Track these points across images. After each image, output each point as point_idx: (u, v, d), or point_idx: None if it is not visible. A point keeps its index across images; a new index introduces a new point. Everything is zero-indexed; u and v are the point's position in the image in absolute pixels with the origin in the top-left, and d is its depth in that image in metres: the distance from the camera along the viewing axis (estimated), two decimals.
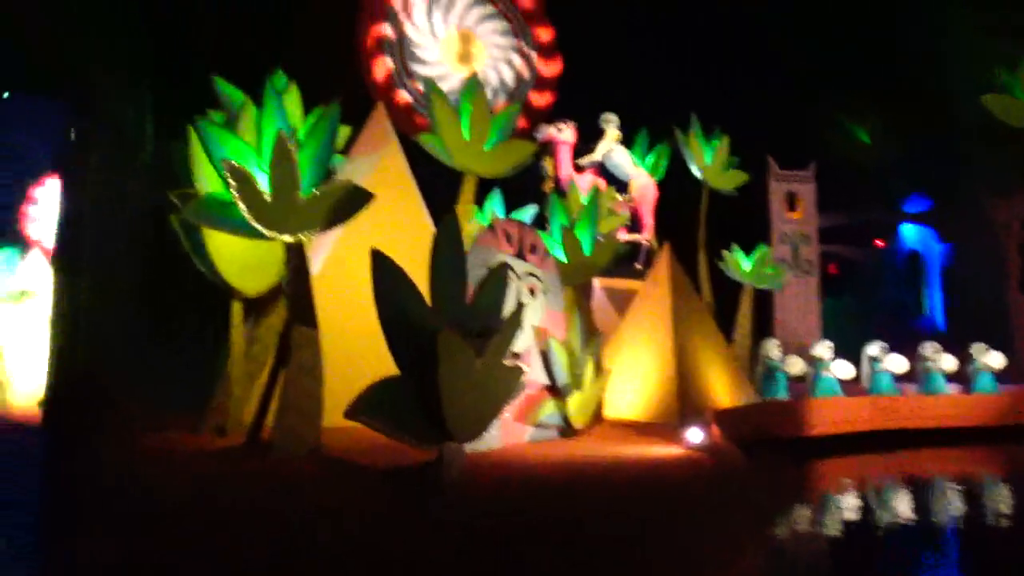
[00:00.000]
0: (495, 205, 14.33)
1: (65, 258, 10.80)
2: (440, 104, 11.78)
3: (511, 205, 14.51)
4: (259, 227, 6.37)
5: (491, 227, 7.73)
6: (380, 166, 14.46)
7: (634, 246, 16.23)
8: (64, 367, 10.11)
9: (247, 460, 6.49)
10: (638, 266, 15.75)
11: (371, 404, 5.09)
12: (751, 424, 10.19)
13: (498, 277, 5.62)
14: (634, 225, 16.70)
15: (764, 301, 18.90)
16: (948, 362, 15.07)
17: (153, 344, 9.10)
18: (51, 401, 10.33)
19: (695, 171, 17.76)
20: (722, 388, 11.54)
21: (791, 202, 19.08)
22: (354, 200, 7.38)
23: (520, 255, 8.07)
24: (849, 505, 8.83)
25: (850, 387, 15.06)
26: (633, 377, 11.34)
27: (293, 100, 12.13)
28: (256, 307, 8.55)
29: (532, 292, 8.20)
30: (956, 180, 22.40)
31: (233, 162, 6.20)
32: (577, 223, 10.85)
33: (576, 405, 8.37)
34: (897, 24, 23.21)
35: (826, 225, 20.28)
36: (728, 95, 21.91)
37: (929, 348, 15.13)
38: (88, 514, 5.51)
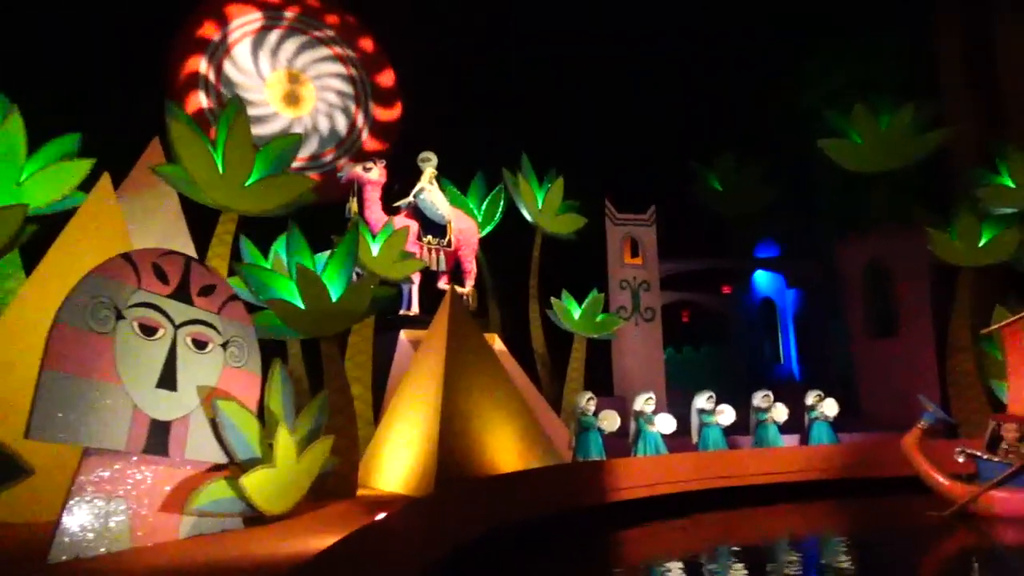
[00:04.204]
0: (283, 250, 12.65)
1: None
2: (180, 130, 10.18)
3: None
4: None
5: (126, 256, 6.08)
6: (146, 207, 12.78)
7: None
8: None
9: None
10: None
11: None
12: (496, 496, 8.69)
13: None
14: (456, 272, 15.39)
15: (607, 352, 17.84)
16: (780, 412, 14.15)
17: None
18: None
19: (526, 215, 16.73)
20: (511, 452, 10.06)
21: (634, 248, 18.22)
22: None
23: (182, 296, 6.42)
24: None
25: (685, 443, 13.97)
26: (400, 443, 9.76)
27: (15, 126, 10.53)
28: None
29: (202, 345, 6.53)
30: (804, 225, 22.32)
31: None
32: (327, 264, 9.34)
33: (262, 484, 6.65)
34: (751, 71, 23.35)
35: (673, 272, 19.53)
36: (573, 138, 21.33)
37: (759, 397, 14.18)
38: None
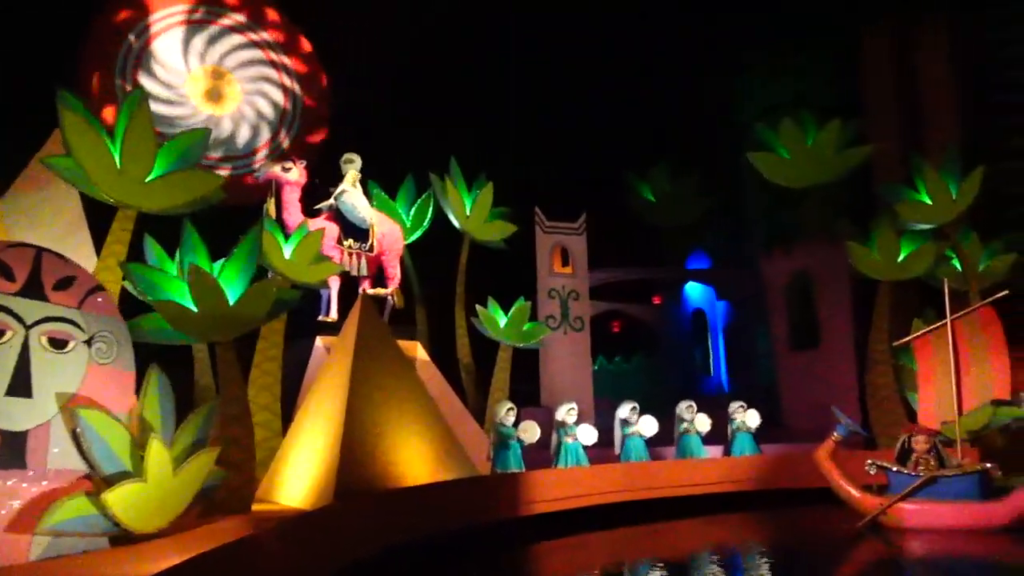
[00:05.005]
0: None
1: None
2: (72, 120, 9.52)
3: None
4: None
5: None
6: (42, 203, 12.07)
7: (378, 301, 14.39)
8: None
9: None
10: None
11: None
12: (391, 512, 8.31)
13: None
14: (380, 277, 14.93)
15: (536, 362, 17.57)
16: (703, 423, 14.09)
17: None
18: None
19: (454, 221, 16.37)
20: (422, 464, 9.67)
21: (564, 256, 18.04)
22: None
23: (33, 293, 5.87)
24: None
25: (608, 454, 13.77)
26: (303, 454, 9.28)
27: None
28: None
29: (61, 344, 6.00)
30: (735, 238, 22.55)
31: None
32: (225, 264, 8.82)
33: (130, 500, 6.12)
34: (687, 83, 23.54)
35: (604, 281, 19.43)
36: (503, 144, 21.15)
37: (683, 408, 14.11)
38: None
